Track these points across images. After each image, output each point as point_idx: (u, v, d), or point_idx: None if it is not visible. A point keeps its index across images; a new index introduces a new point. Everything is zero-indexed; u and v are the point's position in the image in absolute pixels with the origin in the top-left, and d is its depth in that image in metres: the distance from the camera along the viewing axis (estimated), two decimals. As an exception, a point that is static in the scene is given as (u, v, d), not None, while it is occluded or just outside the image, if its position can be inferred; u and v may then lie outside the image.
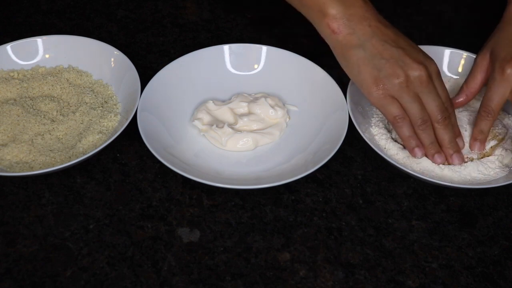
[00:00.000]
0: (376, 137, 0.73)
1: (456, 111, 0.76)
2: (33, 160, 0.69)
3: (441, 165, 0.69)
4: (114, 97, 0.77)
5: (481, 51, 0.74)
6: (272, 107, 0.75)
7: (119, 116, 0.74)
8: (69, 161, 0.67)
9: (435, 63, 0.70)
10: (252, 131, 0.74)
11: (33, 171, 0.66)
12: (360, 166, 0.72)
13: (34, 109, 0.74)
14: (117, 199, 0.67)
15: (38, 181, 0.68)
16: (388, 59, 0.67)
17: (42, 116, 0.73)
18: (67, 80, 0.78)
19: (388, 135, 0.73)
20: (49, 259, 0.62)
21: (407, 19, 0.94)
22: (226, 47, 0.82)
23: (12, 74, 0.79)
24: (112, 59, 0.79)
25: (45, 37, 0.81)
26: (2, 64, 0.79)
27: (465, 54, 0.82)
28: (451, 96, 0.74)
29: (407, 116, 0.68)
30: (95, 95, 0.77)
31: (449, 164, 0.70)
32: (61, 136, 0.72)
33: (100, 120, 0.73)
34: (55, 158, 0.69)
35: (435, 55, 0.81)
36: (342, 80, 0.75)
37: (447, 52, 0.82)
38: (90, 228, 0.64)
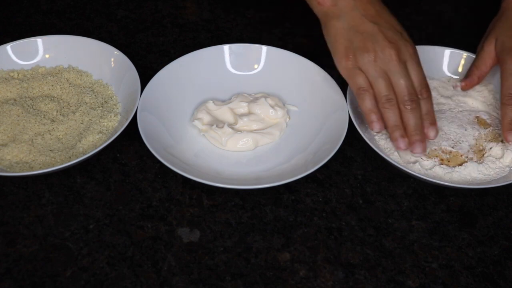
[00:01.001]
0: (376, 137, 0.73)
1: (456, 110, 0.76)
2: (33, 160, 0.69)
3: (442, 165, 0.69)
4: (114, 97, 0.77)
5: (487, 39, 0.75)
6: (272, 107, 0.75)
7: (119, 116, 0.74)
8: (69, 161, 0.67)
9: (412, 45, 0.70)
10: (252, 131, 0.74)
11: (33, 171, 0.66)
12: (360, 166, 0.72)
13: (34, 109, 0.74)
14: (117, 199, 0.67)
15: (38, 181, 0.68)
16: (362, 33, 0.69)
17: (42, 116, 0.73)
18: (67, 80, 0.78)
19: (388, 135, 0.72)
20: (49, 259, 0.62)
21: (407, 18, 0.94)
22: (226, 47, 0.82)
23: (12, 74, 0.79)
24: (112, 59, 0.79)
25: (45, 37, 0.81)
26: (2, 64, 0.79)
27: (465, 54, 0.82)
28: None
29: (372, 90, 0.68)
30: (95, 95, 0.77)
31: (411, 152, 0.68)
32: (61, 136, 0.72)
33: (100, 120, 0.73)
34: (55, 158, 0.69)
35: (435, 55, 0.81)
36: (342, 80, 0.75)
37: (447, 52, 0.83)
38: (90, 228, 0.64)
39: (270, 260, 0.62)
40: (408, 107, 0.67)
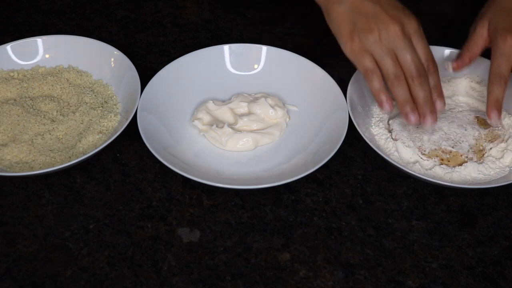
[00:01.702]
0: (376, 137, 0.73)
1: (456, 110, 0.76)
2: (33, 160, 0.69)
3: (442, 165, 0.69)
4: (114, 97, 0.77)
5: (480, 21, 0.75)
6: (272, 107, 0.75)
7: (119, 116, 0.74)
8: (69, 161, 0.67)
9: (416, 21, 0.70)
10: (252, 131, 0.74)
11: (33, 171, 0.66)
12: (360, 166, 0.72)
13: (34, 109, 0.74)
14: (117, 199, 0.67)
15: (38, 181, 0.68)
16: (365, 15, 0.69)
17: (42, 116, 0.73)
18: (67, 80, 0.78)
19: (388, 135, 0.73)
20: (49, 259, 0.62)
21: (407, 19, 0.94)
22: (226, 47, 0.82)
23: (12, 74, 0.79)
24: (112, 59, 0.79)
25: (45, 37, 0.81)
26: (2, 64, 0.79)
27: (465, 54, 0.82)
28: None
29: (379, 70, 0.69)
30: (95, 95, 0.77)
31: (422, 123, 0.69)
32: (61, 136, 0.72)
33: (100, 120, 0.73)
34: (55, 158, 0.69)
35: (435, 55, 0.81)
36: (342, 80, 0.75)
37: (447, 52, 0.82)
38: (90, 228, 0.64)
39: (270, 260, 0.62)
40: (417, 81, 0.68)
